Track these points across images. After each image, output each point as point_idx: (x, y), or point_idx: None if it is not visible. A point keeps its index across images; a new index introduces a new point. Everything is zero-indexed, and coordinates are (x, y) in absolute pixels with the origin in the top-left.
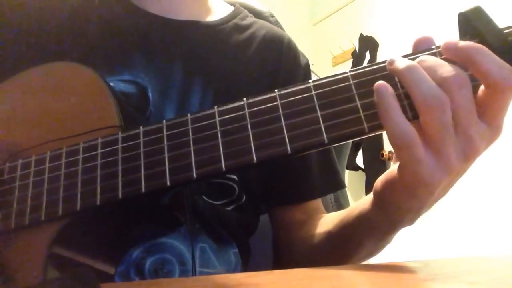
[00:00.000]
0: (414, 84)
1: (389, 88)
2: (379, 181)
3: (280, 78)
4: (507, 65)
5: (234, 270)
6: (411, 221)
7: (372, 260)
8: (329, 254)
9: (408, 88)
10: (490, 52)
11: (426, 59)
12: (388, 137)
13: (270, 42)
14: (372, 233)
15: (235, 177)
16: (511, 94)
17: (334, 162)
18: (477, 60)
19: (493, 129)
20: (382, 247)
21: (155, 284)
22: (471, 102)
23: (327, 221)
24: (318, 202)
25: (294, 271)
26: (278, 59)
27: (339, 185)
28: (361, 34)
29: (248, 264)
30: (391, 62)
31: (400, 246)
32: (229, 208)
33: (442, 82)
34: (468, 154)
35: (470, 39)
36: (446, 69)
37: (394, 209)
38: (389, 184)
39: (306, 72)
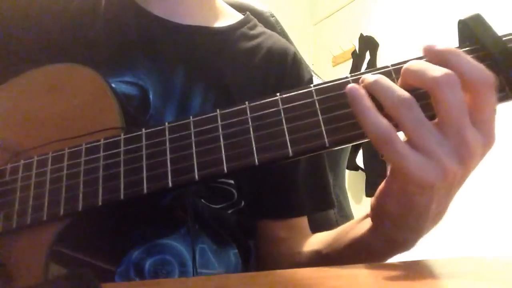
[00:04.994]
0: (382, 93)
1: (360, 90)
2: (376, 193)
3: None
4: (479, 66)
5: (234, 271)
6: (407, 243)
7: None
8: None
9: (378, 98)
10: (462, 53)
11: (414, 63)
12: (368, 136)
13: (275, 54)
14: (366, 255)
15: (232, 181)
16: (488, 94)
17: (325, 181)
18: (452, 60)
19: (485, 135)
20: None
21: (156, 284)
22: (463, 103)
23: (316, 241)
24: (303, 221)
25: (294, 271)
26: (282, 72)
27: (327, 205)
28: (361, 34)
29: (248, 264)
30: (362, 81)
31: None
32: (228, 212)
33: (433, 83)
34: (464, 157)
35: (470, 46)
36: (436, 70)
37: (391, 224)
38: (384, 190)
39: None
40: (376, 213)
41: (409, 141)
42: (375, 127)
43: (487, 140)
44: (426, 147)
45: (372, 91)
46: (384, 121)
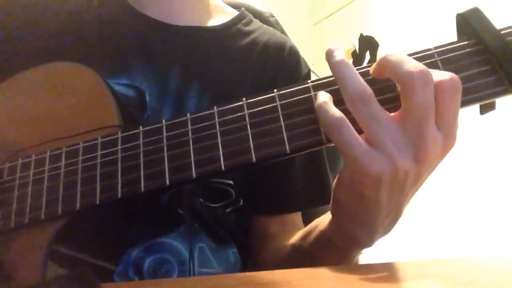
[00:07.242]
0: (340, 83)
1: (325, 94)
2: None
3: (279, 86)
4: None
5: (233, 270)
6: (364, 241)
7: (371, 260)
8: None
9: (338, 84)
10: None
11: (393, 54)
12: (321, 126)
13: (272, 49)
14: (330, 249)
15: (231, 181)
16: (454, 97)
17: (324, 176)
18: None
19: (446, 137)
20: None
21: (156, 284)
22: (432, 103)
23: (297, 235)
24: (296, 217)
25: (294, 271)
26: (278, 66)
27: (324, 200)
28: (361, 34)
29: (248, 264)
30: (329, 54)
31: (399, 246)
32: (227, 210)
33: (406, 77)
34: (419, 156)
35: (468, 40)
36: (413, 65)
37: (344, 216)
38: (337, 180)
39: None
40: (332, 204)
41: (366, 135)
42: (325, 115)
43: (448, 142)
44: (378, 142)
45: (335, 77)
46: (335, 110)
